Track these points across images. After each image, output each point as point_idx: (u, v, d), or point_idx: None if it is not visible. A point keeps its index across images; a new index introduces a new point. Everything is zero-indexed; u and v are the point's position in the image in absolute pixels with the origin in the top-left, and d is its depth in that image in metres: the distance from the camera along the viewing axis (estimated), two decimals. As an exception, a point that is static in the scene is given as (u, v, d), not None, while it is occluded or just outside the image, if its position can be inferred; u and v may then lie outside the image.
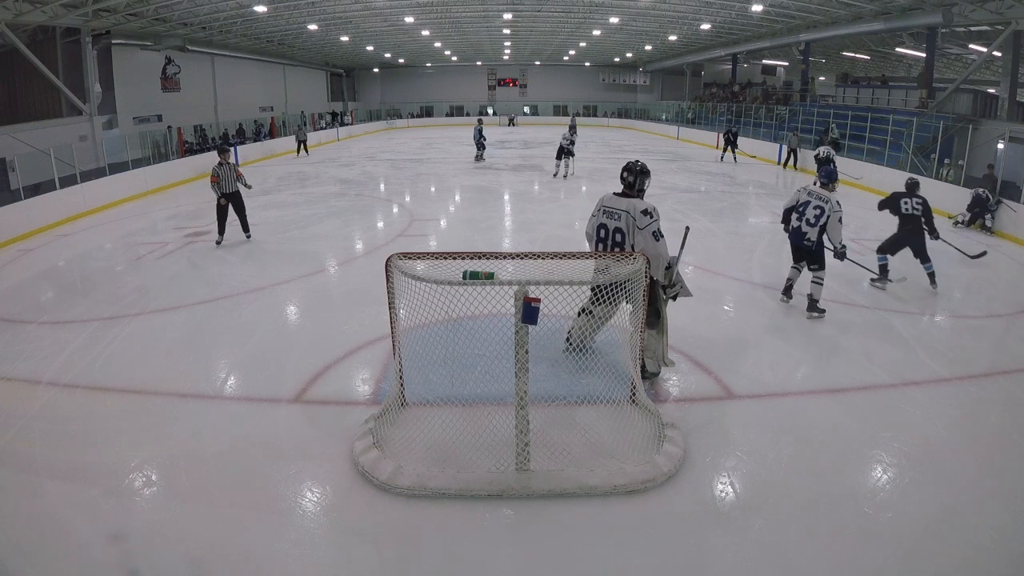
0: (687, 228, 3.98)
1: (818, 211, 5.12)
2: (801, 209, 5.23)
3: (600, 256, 3.63)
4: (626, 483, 2.96)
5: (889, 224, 6.41)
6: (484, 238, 8.34)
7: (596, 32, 23.58)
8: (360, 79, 38.25)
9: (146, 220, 10.00)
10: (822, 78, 28.52)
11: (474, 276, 2.89)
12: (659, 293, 3.86)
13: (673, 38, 24.28)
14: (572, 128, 15.41)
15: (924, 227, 6.06)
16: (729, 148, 17.47)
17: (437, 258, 3.09)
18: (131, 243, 8.37)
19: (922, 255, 6.10)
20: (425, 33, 24.24)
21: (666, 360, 3.99)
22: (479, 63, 36.84)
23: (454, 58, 34.28)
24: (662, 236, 3.75)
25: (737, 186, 13.39)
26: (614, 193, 3.96)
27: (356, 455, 3.17)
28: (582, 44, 28.43)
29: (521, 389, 2.94)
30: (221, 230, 7.92)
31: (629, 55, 32.34)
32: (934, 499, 2.94)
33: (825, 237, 5.18)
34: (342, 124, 28.65)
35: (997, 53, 15.94)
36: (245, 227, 8.12)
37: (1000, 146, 10.65)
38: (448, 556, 2.61)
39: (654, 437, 3.30)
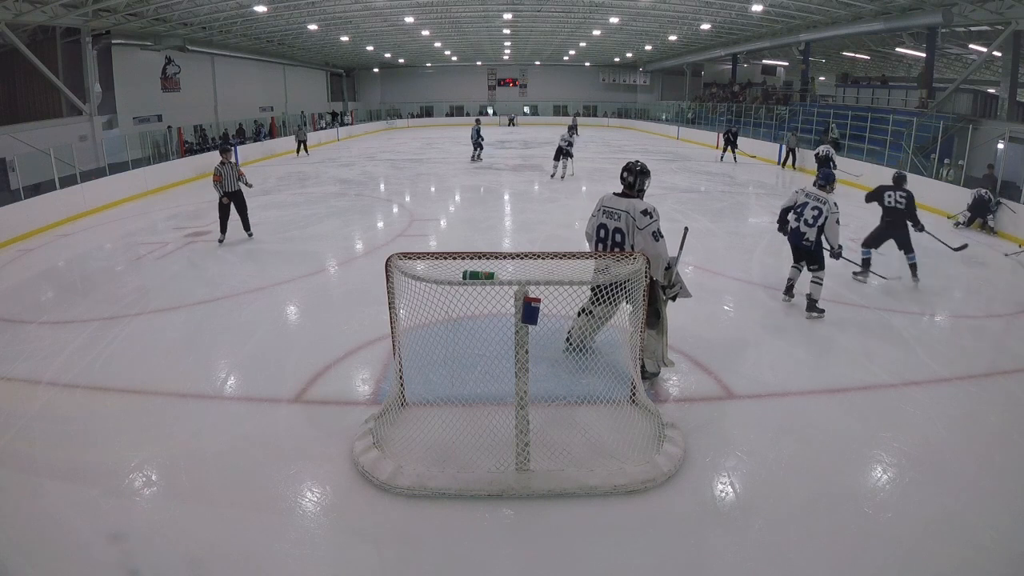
0: (686, 229, 3.98)
1: (816, 212, 5.13)
2: (799, 210, 5.25)
3: (600, 256, 3.64)
4: (626, 483, 2.96)
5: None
6: (484, 238, 8.34)
7: (596, 32, 23.58)
8: (360, 79, 38.25)
9: (146, 220, 10.00)
10: (822, 78, 28.52)
11: (474, 276, 2.89)
12: (659, 293, 3.86)
13: (673, 38, 24.28)
14: (571, 129, 15.39)
15: (908, 221, 6.10)
16: (729, 148, 17.46)
17: (437, 258, 3.09)
18: (131, 243, 8.37)
19: (906, 247, 6.16)
20: (425, 33, 24.24)
21: (665, 360, 3.99)
22: (479, 63, 36.83)
23: (454, 58, 34.28)
24: (662, 236, 3.75)
25: (737, 186, 13.39)
26: (614, 193, 3.96)
27: (356, 455, 3.17)
28: (582, 44, 28.43)
29: (521, 389, 2.94)
30: (223, 228, 7.97)
31: (629, 55, 32.34)
32: (934, 499, 2.94)
33: (823, 237, 5.19)
34: (342, 124, 28.65)
35: (997, 53, 15.94)
36: (246, 226, 8.17)
37: (1000, 146, 10.66)
38: (448, 556, 2.61)
39: (654, 437, 3.30)
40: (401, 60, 34.25)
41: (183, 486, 3.07)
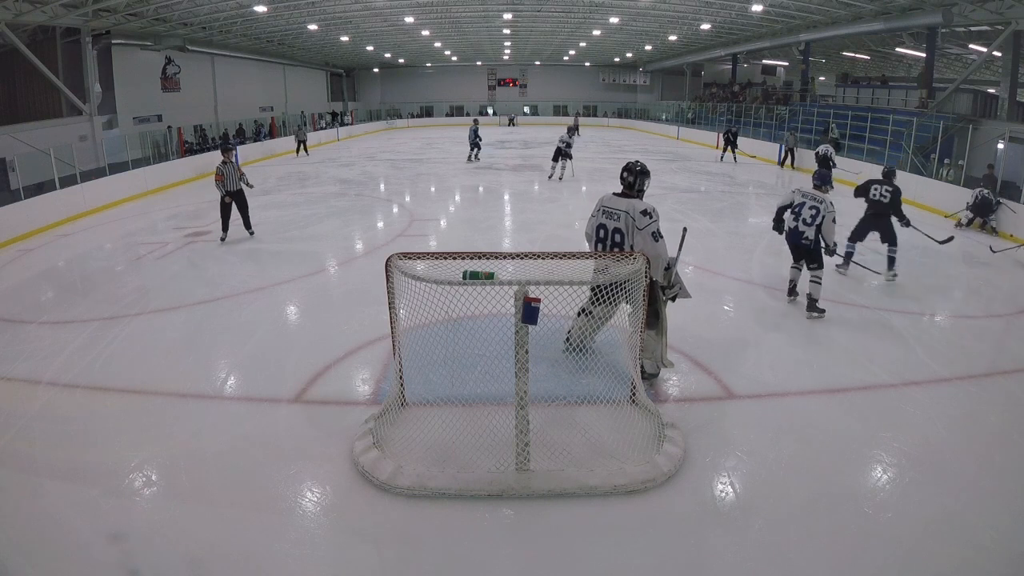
0: (684, 229, 3.98)
1: (814, 211, 5.15)
2: (797, 209, 5.27)
3: (600, 256, 3.64)
4: (626, 483, 2.96)
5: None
6: (484, 238, 8.34)
7: (596, 32, 23.58)
8: (360, 79, 38.25)
9: (146, 220, 10.00)
10: (822, 78, 28.53)
11: (474, 276, 2.89)
12: (658, 294, 3.85)
13: (673, 38, 24.28)
14: (571, 130, 15.33)
15: (893, 215, 6.15)
16: (729, 148, 17.46)
17: (437, 258, 3.09)
18: (131, 243, 8.37)
19: (890, 239, 6.20)
20: (425, 33, 24.24)
21: (665, 361, 3.98)
22: (479, 63, 36.83)
23: (454, 58, 34.27)
24: (661, 237, 3.75)
25: (737, 186, 13.39)
26: (614, 193, 3.96)
27: (356, 455, 3.17)
28: (582, 44, 28.43)
29: (521, 389, 2.94)
30: (225, 227, 8.03)
31: (629, 55, 32.34)
32: (934, 499, 2.94)
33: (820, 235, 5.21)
34: (342, 124, 28.65)
35: (997, 53, 15.94)
36: (248, 224, 8.23)
37: (1000, 146, 10.66)
38: (448, 556, 2.61)
39: (654, 437, 3.30)
40: (401, 60, 34.26)
41: (183, 486, 3.07)
